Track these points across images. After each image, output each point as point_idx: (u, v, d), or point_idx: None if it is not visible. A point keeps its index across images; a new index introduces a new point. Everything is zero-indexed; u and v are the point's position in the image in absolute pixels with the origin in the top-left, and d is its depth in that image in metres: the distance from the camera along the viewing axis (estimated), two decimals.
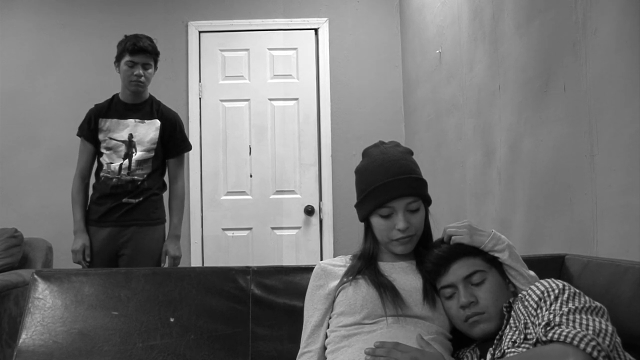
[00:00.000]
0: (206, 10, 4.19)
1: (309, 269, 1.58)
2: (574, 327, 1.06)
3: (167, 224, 2.80)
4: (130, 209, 2.70)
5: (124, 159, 2.69)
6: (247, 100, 4.17)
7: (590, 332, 1.05)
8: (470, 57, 2.74)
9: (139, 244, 2.69)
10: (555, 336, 1.06)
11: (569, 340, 1.03)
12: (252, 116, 4.16)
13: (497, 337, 1.27)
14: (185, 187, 2.83)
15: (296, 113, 4.16)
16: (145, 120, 2.73)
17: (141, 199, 2.70)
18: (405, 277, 1.43)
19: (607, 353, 1.02)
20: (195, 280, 1.70)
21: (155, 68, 2.79)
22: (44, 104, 4.11)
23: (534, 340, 1.15)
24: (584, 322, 1.08)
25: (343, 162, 4.06)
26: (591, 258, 1.53)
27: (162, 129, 2.74)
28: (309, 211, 4.09)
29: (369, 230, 1.49)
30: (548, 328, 1.10)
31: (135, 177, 2.70)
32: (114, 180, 2.70)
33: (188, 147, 2.89)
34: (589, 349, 1.01)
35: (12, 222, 3.65)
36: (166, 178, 2.86)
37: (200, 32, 4.18)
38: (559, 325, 1.09)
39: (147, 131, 2.72)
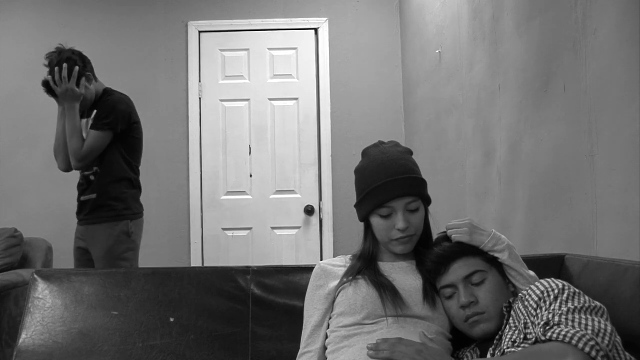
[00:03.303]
0: (206, 10, 4.19)
1: (309, 269, 1.58)
2: (573, 327, 1.06)
3: (133, 222, 2.69)
4: (90, 207, 2.68)
5: None
6: (247, 100, 4.17)
7: (590, 332, 1.05)
8: (470, 57, 2.74)
9: (98, 243, 2.64)
10: (554, 335, 1.06)
11: (567, 339, 1.03)
12: (252, 116, 4.16)
13: (497, 337, 1.27)
14: (86, 151, 2.60)
15: (296, 113, 4.16)
16: (88, 119, 2.72)
17: (95, 195, 2.67)
18: (405, 277, 1.43)
19: (606, 353, 1.02)
20: (195, 280, 1.70)
21: (70, 69, 2.61)
22: (44, 104, 4.07)
23: (534, 340, 1.15)
24: (583, 321, 1.08)
25: (343, 162, 4.06)
26: (591, 258, 1.53)
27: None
28: (309, 211, 4.09)
29: (369, 230, 1.49)
30: (547, 327, 1.10)
31: (85, 173, 2.72)
32: (79, 180, 2.78)
33: (98, 126, 2.61)
34: (587, 349, 1.01)
35: (12, 222, 3.65)
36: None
37: (200, 32, 4.18)
38: (558, 324, 1.09)
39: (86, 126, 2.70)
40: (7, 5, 4.18)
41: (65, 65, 2.62)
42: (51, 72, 2.64)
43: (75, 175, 4.03)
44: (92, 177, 2.69)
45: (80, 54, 2.72)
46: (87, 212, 2.70)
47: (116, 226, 2.64)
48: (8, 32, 4.17)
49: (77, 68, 2.62)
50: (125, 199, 2.69)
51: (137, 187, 2.79)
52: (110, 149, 2.67)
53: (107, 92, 2.76)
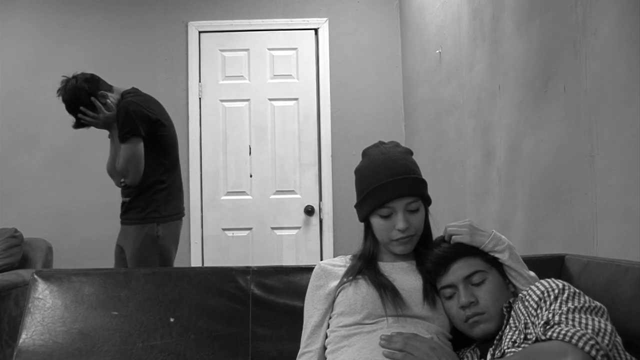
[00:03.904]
0: (206, 10, 4.19)
1: (309, 269, 1.58)
2: (573, 326, 1.06)
3: (160, 225, 2.65)
4: (125, 208, 2.70)
5: None
6: (247, 100, 4.17)
7: (590, 331, 1.05)
8: (470, 57, 2.74)
9: (128, 244, 2.65)
10: (554, 335, 1.06)
11: (567, 338, 1.03)
12: (252, 116, 4.16)
13: (497, 337, 1.27)
14: (122, 165, 2.59)
15: (296, 113, 4.16)
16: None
17: (130, 198, 2.67)
18: (405, 277, 1.43)
19: (606, 352, 1.02)
20: (195, 280, 1.70)
21: (96, 99, 2.62)
22: (44, 104, 4.10)
23: (534, 339, 1.15)
24: (583, 321, 1.08)
25: (343, 162, 4.06)
26: (591, 258, 1.53)
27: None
28: (309, 211, 4.09)
29: (369, 230, 1.49)
30: (547, 327, 1.10)
31: None
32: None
33: (122, 138, 2.58)
34: (587, 348, 1.01)
35: (12, 222, 3.65)
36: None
37: (200, 32, 4.18)
38: (558, 324, 1.09)
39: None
40: (7, 5, 4.18)
41: (82, 108, 2.60)
42: (73, 114, 2.64)
43: (76, 178, 4.06)
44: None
45: (84, 79, 2.65)
46: (122, 213, 2.72)
47: (142, 229, 2.63)
48: (8, 32, 4.17)
49: (92, 98, 2.61)
50: (153, 202, 2.65)
51: (169, 189, 2.72)
52: None
53: (123, 96, 2.72)
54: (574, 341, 1.02)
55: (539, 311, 1.17)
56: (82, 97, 2.61)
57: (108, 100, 2.64)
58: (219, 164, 4.13)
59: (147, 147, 2.63)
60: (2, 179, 4.08)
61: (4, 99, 4.13)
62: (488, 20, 2.53)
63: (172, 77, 4.14)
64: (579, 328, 1.05)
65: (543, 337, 1.08)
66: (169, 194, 2.72)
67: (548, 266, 1.58)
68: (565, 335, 1.04)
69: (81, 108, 2.61)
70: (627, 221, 1.57)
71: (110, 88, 2.71)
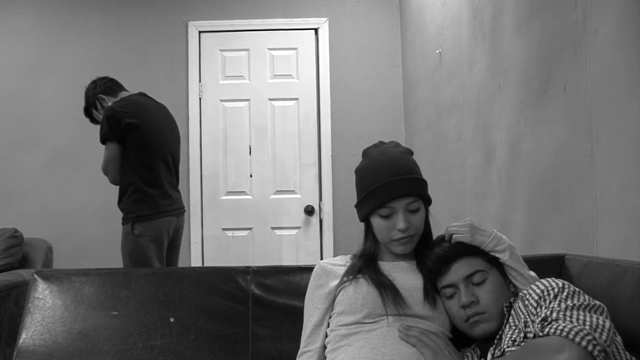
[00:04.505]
0: (206, 10, 4.19)
1: (309, 269, 1.58)
2: (571, 322, 1.07)
3: (137, 224, 2.71)
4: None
5: None
6: (247, 100, 4.17)
7: (587, 327, 1.05)
8: (470, 57, 2.74)
9: None
10: (552, 330, 1.06)
11: (564, 334, 1.03)
12: (252, 116, 4.16)
13: (497, 336, 1.27)
14: (102, 166, 2.80)
15: (296, 113, 4.16)
16: None
17: (119, 200, 2.83)
18: (405, 276, 1.43)
19: (603, 348, 1.02)
20: (195, 280, 1.70)
21: (96, 103, 2.92)
22: (44, 104, 4.11)
23: (532, 336, 1.15)
24: (581, 317, 1.08)
25: (343, 162, 4.06)
26: (591, 258, 1.53)
27: None
28: (309, 211, 4.09)
29: (369, 230, 1.49)
30: (545, 323, 1.10)
31: None
32: None
33: (100, 141, 2.79)
34: (584, 343, 1.01)
35: (12, 222, 3.65)
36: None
37: (200, 32, 4.18)
38: (556, 320, 1.09)
39: None
40: (7, 5, 4.18)
41: (93, 110, 2.93)
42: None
43: (76, 178, 4.06)
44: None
45: (96, 81, 2.95)
46: None
47: (124, 229, 2.77)
48: (8, 32, 4.17)
49: (96, 102, 2.92)
50: (130, 203, 2.76)
51: (144, 189, 2.75)
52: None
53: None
54: (570, 336, 1.02)
55: (538, 310, 1.17)
56: (87, 97, 2.93)
57: (102, 104, 2.89)
58: (219, 164, 4.13)
59: (124, 151, 2.77)
60: (2, 179, 4.08)
61: (4, 99, 4.13)
62: (488, 20, 2.53)
63: (172, 77, 4.14)
64: (576, 324, 1.06)
65: (540, 334, 1.08)
66: (144, 194, 2.76)
67: (548, 266, 1.59)
68: (562, 330, 1.04)
69: (92, 110, 2.94)
70: (627, 221, 1.57)
71: (115, 92, 2.89)
